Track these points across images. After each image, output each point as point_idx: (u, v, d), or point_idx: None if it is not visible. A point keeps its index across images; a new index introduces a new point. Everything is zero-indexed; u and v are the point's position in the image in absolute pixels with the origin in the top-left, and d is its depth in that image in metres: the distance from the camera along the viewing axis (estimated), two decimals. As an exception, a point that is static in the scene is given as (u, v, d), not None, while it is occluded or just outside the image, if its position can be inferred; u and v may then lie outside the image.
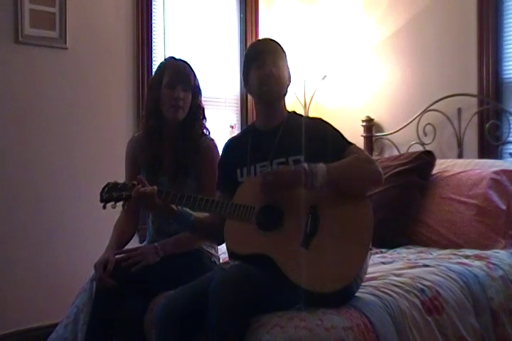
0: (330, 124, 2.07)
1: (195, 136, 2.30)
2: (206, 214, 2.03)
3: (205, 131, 2.36)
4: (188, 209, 1.98)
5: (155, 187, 1.93)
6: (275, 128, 2.07)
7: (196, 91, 2.32)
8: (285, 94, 2.11)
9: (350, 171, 1.90)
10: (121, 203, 1.97)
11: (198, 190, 2.28)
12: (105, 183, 1.99)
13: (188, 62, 2.35)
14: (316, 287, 1.75)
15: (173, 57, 2.39)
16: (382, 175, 1.94)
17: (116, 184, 1.98)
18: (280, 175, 1.87)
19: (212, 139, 2.36)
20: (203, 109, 2.37)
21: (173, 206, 1.96)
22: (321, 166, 1.84)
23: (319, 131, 2.01)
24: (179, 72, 2.28)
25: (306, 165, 1.84)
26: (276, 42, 2.12)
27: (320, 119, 2.11)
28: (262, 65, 2.04)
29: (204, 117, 2.37)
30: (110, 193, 1.96)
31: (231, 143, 2.21)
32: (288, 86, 2.11)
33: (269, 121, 2.10)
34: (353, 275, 1.79)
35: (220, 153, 2.25)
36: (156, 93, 2.28)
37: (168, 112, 2.27)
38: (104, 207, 1.95)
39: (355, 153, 1.96)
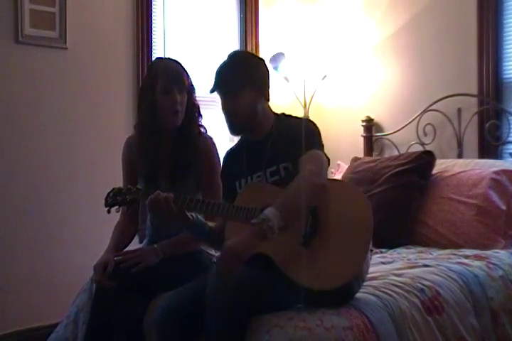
0: (313, 123, 2.04)
1: (193, 135, 2.28)
2: (218, 223, 2.03)
3: (202, 129, 2.33)
4: (202, 219, 1.98)
5: (171, 195, 1.90)
6: (265, 136, 2.05)
7: (191, 90, 2.28)
8: (250, 119, 2.03)
9: (295, 200, 1.82)
10: (124, 207, 2.02)
11: (198, 189, 2.28)
12: (110, 188, 2.03)
13: (178, 61, 2.29)
14: (315, 285, 1.75)
15: (160, 58, 2.35)
16: (322, 186, 1.88)
17: (120, 189, 2.03)
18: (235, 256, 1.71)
19: (211, 137, 2.33)
20: (198, 106, 2.33)
21: (189, 215, 1.94)
22: (272, 212, 1.74)
23: (302, 133, 1.97)
24: (173, 75, 2.21)
25: (255, 221, 1.74)
26: (229, 68, 2.05)
27: (306, 120, 2.09)
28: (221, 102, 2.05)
29: (200, 115, 2.33)
30: (115, 198, 2.00)
31: (229, 156, 2.21)
32: (251, 111, 2.02)
33: (256, 134, 2.08)
34: (352, 273, 1.79)
35: (221, 155, 2.26)
36: (151, 99, 2.21)
37: (167, 118, 2.22)
38: (109, 211, 2.00)
39: (307, 161, 1.90)
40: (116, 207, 2.00)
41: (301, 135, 1.96)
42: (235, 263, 1.70)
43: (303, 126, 2.00)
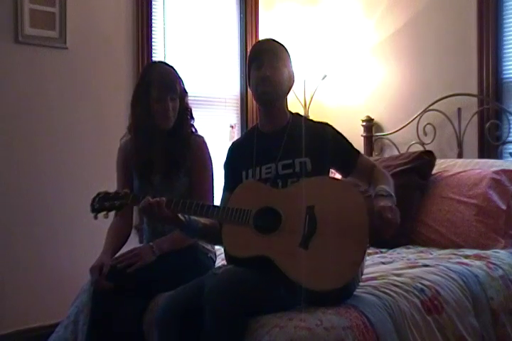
0: (337, 130, 2.12)
1: (184, 135, 2.33)
2: (212, 221, 2.03)
3: (193, 129, 2.39)
4: (195, 217, 1.97)
5: (163, 198, 1.91)
6: (280, 130, 2.10)
7: (183, 96, 2.33)
8: (284, 96, 2.12)
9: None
10: (113, 212, 1.96)
11: (190, 187, 2.30)
12: (95, 194, 1.96)
13: (171, 66, 2.34)
14: (316, 286, 1.76)
15: (154, 62, 2.40)
16: None
17: (107, 193, 1.96)
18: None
19: (202, 136, 2.38)
20: (190, 109, 2.39)
21: (180, 216, 1.94)
22: (390, 194, 1.95)
23: (326, 136, 2.06)
24: (166, 84, 2.26)
25: (388, 201, 1.90)
26: (279, 43, 2.13)
27: (327, 124, 2.14)
28: (259, 66, 2.06)
29: (192, 117, 2.39)
30: (102, 203, 1.94)
31: (235, 146, 2.24)
32: (289, 87, 2.12)
33: (272, 122, 2.12)
34: (352, 273, 1.80)
35: (223, 153, 2.27)
36: (146, 104, 2.26)
37: (159, 122, 2.27)
38: (96, 217, 1.94)
39: (367, 163, 2.11)
40: (104, 212, 1.92)
41: (326, 136, 2.06)
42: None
43: (329, 129, 2.11)
